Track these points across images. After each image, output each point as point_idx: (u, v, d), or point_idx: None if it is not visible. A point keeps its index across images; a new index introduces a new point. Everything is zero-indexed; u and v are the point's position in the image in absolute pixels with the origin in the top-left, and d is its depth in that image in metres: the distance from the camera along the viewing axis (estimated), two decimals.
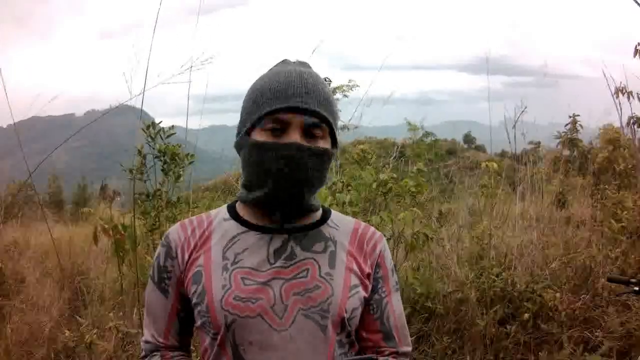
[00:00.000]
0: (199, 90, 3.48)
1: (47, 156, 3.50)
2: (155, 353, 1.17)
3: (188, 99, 3.41)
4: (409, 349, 1.20)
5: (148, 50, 3.08)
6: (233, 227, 1.13)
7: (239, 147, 1.12)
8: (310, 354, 1.05)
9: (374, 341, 1.16)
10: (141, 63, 3.07)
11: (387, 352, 1.16)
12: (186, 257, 1.12)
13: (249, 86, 1.13)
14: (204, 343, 1.10)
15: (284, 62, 1.15)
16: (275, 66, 1.14)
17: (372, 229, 1.21)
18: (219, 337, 1.06)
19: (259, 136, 1.06)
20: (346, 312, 1.07)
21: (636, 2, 3.49)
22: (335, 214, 1.21)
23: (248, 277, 1.06)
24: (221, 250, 1.10)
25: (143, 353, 1.19)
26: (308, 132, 1.06)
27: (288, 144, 1.03)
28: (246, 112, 1.10)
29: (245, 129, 1.09)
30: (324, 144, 1.08)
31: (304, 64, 1.13)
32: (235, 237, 1.11)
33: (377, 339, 1.16)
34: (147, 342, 1.18)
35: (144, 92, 3.07)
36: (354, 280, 1.11)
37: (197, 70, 3.12)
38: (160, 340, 1.16)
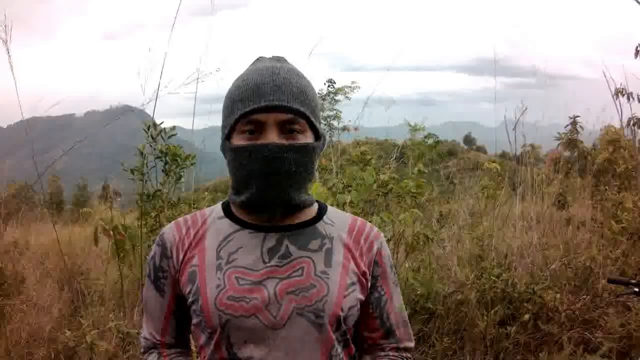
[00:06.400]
0: (200, 93, 3.53)
1: (58, 158, 3.51)
2: (152, 350, 1.18)
3: (195, 105, 3.48)
4: (411, 344, 1.21)
5: (152, 54, 3.16)
6: (226, 225, 1.12)
7: (223, 151, 1.13)
8: (305, 353, 1.04)
9: (374, 339, 1.17)
10: (144, 68, 3.15)
11: (387, 348, 1.18)
12: (181, 256, 1.11)
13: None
14: (200, 341, 1.10)
15: (259, 59, 1.13)
16: (250, 65, 1.13)
17: (369, 225, 1.19)
18: (214, 337, 1.06)
19: (237, 140, 1.06)
20: (342, 310, 1.07)
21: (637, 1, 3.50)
22: (331, 210, 1.19)
23: (242, 277, 1.06)
24: (215, 249, 1.10)
25: (142, 349, 1.21)
26: (286, 128, 1.04)
27: (263, 144, 1.02)
28: (224, 115, 1.09)
29: (226, 134, 1.08)
30: (304, 138, 1.06)
31: (279, 59, 1.11)
32: (228, 236, 1.11)
33: (378, 336, 1.17)
34: (146, 338, 1.19)
35: (156, 99, 3.15)
36: (351, 279, 1.10)
37: (202, 83, 3.22)
38: (158, 337, 1.18)
